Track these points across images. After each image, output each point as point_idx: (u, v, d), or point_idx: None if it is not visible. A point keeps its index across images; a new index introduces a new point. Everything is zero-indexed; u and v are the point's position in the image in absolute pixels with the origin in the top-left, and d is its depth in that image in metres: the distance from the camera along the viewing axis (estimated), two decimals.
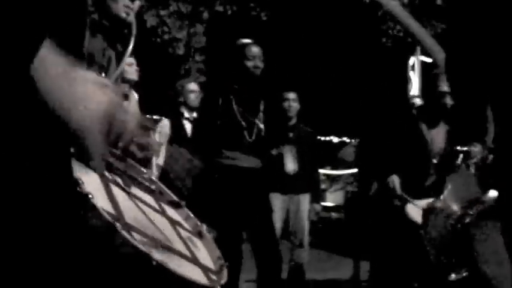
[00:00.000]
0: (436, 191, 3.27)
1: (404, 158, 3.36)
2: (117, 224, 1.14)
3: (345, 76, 12.08)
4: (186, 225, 1.51)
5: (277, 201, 4.29)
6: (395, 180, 3.33)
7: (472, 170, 5.87)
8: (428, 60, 7.83)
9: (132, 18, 1.76)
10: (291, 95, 4.55)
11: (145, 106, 4.08)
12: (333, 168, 15.05)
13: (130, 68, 4.10)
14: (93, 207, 1.13)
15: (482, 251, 2.77)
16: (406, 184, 3.32)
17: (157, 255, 1.16)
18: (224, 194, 3.15)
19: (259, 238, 3.26)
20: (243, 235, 3.38)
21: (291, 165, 4.16)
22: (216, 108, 3.18)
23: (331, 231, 8.68)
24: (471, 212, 2.95)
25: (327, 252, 7.17)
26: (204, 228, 1.54)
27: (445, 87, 3.41)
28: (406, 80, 9.55)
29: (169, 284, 1.16)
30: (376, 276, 3.56)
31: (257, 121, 3.23)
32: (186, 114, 4.35)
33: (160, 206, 1.49)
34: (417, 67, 9.50)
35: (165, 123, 4.44)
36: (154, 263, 1.12)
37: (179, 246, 1.35)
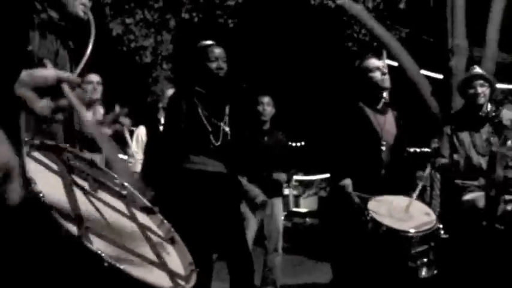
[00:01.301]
0: (392, 184, 3.20)
1: (355, 148, 3.22)
2: (72, 224, 1.12)
3: (313, 81, 12.18)
4: (158, 231, 1.50)
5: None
6: (347, 184, 3.16)
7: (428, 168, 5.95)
8: (395, 64, 7.95)
9: (89, 15, 1.71)
10: (265, 99, 4.54)
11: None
12: (305, 174, 15.16)
13: (97, 86, 4.05)
14: (44, 207, 1.12)
15: None
16: (360, 177, 3.16)
17: (112, 257, 1.14)
18: (191, 200, 3.09)
19: (230, 245, 3.22)
20: (213, 242, 3.32)
21: (260, 196, 4.16)
22: (180, 112, 3.13)
23: (305, 236, 8.71)
24: None
25: (302, 257, 7.17)
26: (176, 234, 1.52)
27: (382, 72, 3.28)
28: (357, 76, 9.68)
29: (124, 287, 1.13)
30: (337, 279, 3.49)
31: (222, 125, 3.19)
32: (163, 121, 4.31)
33: (130, 211, 1.47)
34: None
35: (141, 131, 4.40)
36: (105, 264, 1.10)
37: (143, 250, 1.34)
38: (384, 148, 3.28)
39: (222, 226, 3.17)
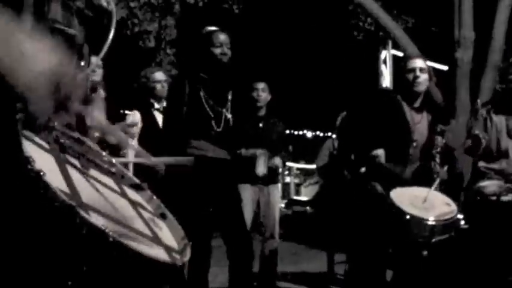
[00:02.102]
0: (417, 180, 3.24)
1: (386, 139, 3.27)
2: (72, 202, 1.12)
3: (317, 70, 12.13)
4: (148, 206, 1.52)
5: (247, 193, 4.27)
6: (380, 154, 3.22)
7: (437, 159, 5.94)
8: (400, 54, 7.91)
9: (112, 6, 1.70)
10: (261, 85, 4.52)
11: (116, 100, 3.99)
12: (307, 163, 15.16)
13: (97, 69, 4.03)
14: (46, 185, 1.11)
15: None
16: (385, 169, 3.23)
17: (114, 232, 1.15)
18: (192, 185, 3.10)
19: (230, 230, 3.23)
20: (212, 227, 3.33)
21: (261, 168, 4.14)
22: (182, 97, 3.12)
23: (305, 225, 8.73)
24: None
25: (301, 245, 7.20)
26: (166, 209, 1.53)
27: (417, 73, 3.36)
28: (377, 74, 9.64)
29: (129, 262, 1.14)
30: (355, 267, 3.53)
31: (224, 111, 3.19)
32: (156, 105, 4.28)
33: (120, 188, 1.48)
34: (389, 61, 9.61)
35: (136, 116, 4.37)
36: (110, 239, 1.10)
37: (140, 225, 1.35)
38: (415, 145, 3.36)
39: (221, 211, 3.18)
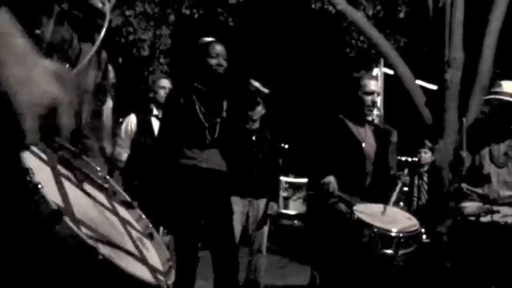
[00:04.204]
0: (374, 194, 3.28)
1: (339, 159, 3.28)
2: (65, 216, 1.12)
3: (310, 84, 12.22)
4: (137, 225, 1.51)
5: (237, 206, 4.28)
6: (332, 181, 3.17)
7: (425, 179, 6.02)
8: (391, 72, 8.00)
9: (107, 8, 1.73)
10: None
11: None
12: (296, 176, 15.17)
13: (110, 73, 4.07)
14: (42, 198, 1.11)
15: None
16: (344, 186, 3.21)
17: (104, 250, 1.15)
18: (183, 195, 3.11)
19: (218, 242, 3.23)
20: (199, 238, 3.34)
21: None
22: (177, 107, 3.14)
23: (293, 238, 8.73)
24: None
25: (288, 259, 7.20)
26: (154, 229, 1.53)
27: (371, 87, 3.37)
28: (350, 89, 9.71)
29: (115, 280, 1.15)
30: (324, 282, 3.54)
31: (219, 121, 3.21)
32: (155, 111, 4.29)
33: (112, 204, 1.48)
34: (380, 78, 9.72)
35: (131, 119, 4.38)
36: (100, 257, 1.10)
37: (128, 244, 1.35)
38: (368, 159, 3.38)
39: (211, 222, 3.19)
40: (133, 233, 1.44)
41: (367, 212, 3.03)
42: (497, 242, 3.27)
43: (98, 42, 1.62)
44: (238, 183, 4.16)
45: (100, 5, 1.72)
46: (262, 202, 4.57)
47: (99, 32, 1.68)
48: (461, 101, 7.27)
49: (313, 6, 9.14)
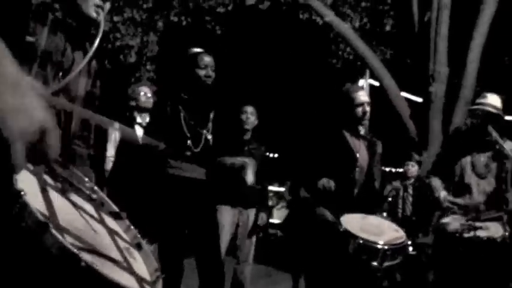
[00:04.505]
0: (361, 204, 3.32)
1: (330, 168, 3.35)
2: (48, 223, 1.12)
3: (295, 94, 12.28)
4: (124, 236, 1.51)
5: (227, 215, 4.27)
6: (331, 181, 3.25)
7: (410, 191, 6.09)
8: (377, 84, 8.08)
9: (101, 17, 1.72)
10: (249, 109, 4.56)
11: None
12: (281, 185, 15.19)
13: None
14: (25, 205, 1.11)
15: None
16: (334, 195, 3.27)
17: (87, 257, 1.15)
18: (168, 204, 3.10)
19: (203, 251, 3.22)
20: (184, 248, 3.32)
21: (251, 176, 4.08)
22: (163, 116, 3.14)
23: (276, 247, 8.73)
24: None
25: (272, 268, 7.18)
26: (142, 240, 1.53)
27: (362, 98, 3.47)
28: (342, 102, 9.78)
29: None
30: None
31: (205, 132, 3.20)
32: (138, 119, 4.28)
33: (99, 215, 1.47)
34: (366, 90, 9.80)
35: (115, 128, 4.35)
36: (83, 263, 1.10)
37: (115, 254, 1.35)
38: (358, 169, 3.45)
39: (196, 232, 3.17)
40: (121, 243, 1.43)
41: (354, 222, 3.06)
42: (480, 256, 3.31)
43: (91, 52, 1.63)
44: (228, 193, 4.15)
45: (94, 15, 1.72)
46: (252, 211, 4.56)
47: (91, 41, 1.68)
48: (445, 114, 7.37)
49: (300, 16, 9.22)
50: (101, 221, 1.45)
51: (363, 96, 3.49)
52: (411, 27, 7.94)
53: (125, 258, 1.37)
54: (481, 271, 3.26)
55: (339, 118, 3.56)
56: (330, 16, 8.00)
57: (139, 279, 1.34)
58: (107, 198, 1.55)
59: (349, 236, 2.94)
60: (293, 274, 5.30)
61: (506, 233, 3.30)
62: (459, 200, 3.72)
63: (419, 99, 7.91)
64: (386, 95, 7.61)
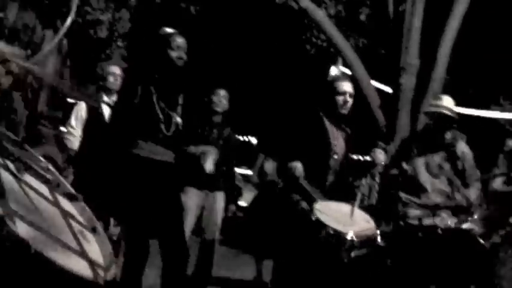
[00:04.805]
0: (336, 191, 3.40)
1: (307, 153, 3.41)
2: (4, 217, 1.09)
3: (267, 78, 12.27)
4: (80, 218, 1.49)
5: (193, 197, 4.26)
6: (298, 166, 3.33)
7: (377, 179, 6.19)
8: (348, 72, 8.14)
9: None
10: (222, 92, 4.51)
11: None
12: (249, 168, 15.23)
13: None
14: None
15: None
16: (307, 180, 3.35)
17: (38, 244, 1.13)
18: (135, 186, 3.06)
19: (167, 232, 3.21)
20: (150, 229, 3.30)
21: (210, 165, 4.05)
22: (134, 96, 3.08)
23: (243, 230, 8.76)
24: None
25: (238, 251, 7.22)
26: (97, 223, 1.50)
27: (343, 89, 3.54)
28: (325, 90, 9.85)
29: (49, 275, 1.13)
30: (279, 276, 3.62)
31: (175, 115, 3.17)
32: (105, 98, 4.20)
33: (54, 196, 1.44)
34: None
35: (81, 107, 4.26)
36: (32, 251, 1.09)
37: (67, 237, 1.35)
38: (336, 157, 3.54)
39: (161, 213, 3.16)
40: (75, 226, 1.42)
41: (327, 211, 3.11)
42: (437, 244, 3.42)
43: (62, 31, 1.59)
44: (195, 176, 4.12)
45: None
46: (219, 195, 4.55)
47: (62, 19, 1.64)
48: (414, 106, 7.50)
49: (276, 0, 9.16)
50: (55, 203, 1.42)
51: (346, 86, 3.56)
52: (386, 17, 8.00)
53: (78, 242, 1.36)
54: (438, 258, 3.38)
55: (321, 105, 3.63)
56: (305, 2, 7.98)
57: (92, 264, 1.34)
58: (62, 179, 1.52)
59: (319, 225, 3.00)
60: (256, 257, 5.35)
61: (460, 225, 3.45)
62: (417, 200, 3.83)
63: (389, 90, 8.02)
64: (357, 83, 7.67)
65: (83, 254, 1.33)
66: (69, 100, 4.82)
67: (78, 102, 4.33)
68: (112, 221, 3.82)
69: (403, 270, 3.39)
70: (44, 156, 1.68)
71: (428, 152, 3.93)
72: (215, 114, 4.50)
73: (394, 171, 3.99)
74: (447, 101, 3.99)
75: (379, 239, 3.11)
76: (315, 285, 3.25)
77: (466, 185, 3.90)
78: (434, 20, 7.56)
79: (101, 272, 1.34)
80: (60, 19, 1.81)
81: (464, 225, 3.50)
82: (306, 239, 3.11)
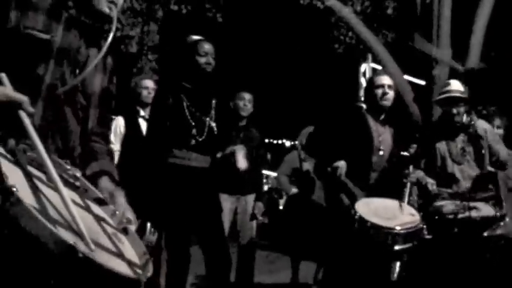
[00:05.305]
0: (381, 188, 3.37)
1: (349, 151, 3.44)
2: (42, 219, 1.13)
3: (298, 80, 12.24)
4: (110, 221, 1.53)
5: (226, 203, 4.28)
6: (342, 166, 3.38)
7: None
8: (379, 67, 8.05)
9: (114, 13, 1.72)
10: (247, 96, 4.55)
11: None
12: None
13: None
14: (18, 201, 1.13)
15: None
16: (350, 178, 3.38)
17: (83, 248, 1.17)
18: (173, 194, 3.10)
19: (209, 239, 3.23)
20: (191, 237, 3.34)
21: (242, 162, 4.01)
22: (166, 106, 3.13)
23: (282, 233, 8.75)
24: None
25: (278, 254, 7.22)
26: (128, 224, 1.54)
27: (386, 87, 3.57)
28: (357, 86, 9.78)
29: (96, 277, 1.16)
30: (327, 276, 3.62)
31: (208, 119, 3.20)
32: (142, 113, 4.29)
33: (85, 202, 1.48)
34: (368, 74, 9.76)
35: (119, 122, 4.35)
36: (80, 255, 1.12)
37: (105, 241, 1.37)
38: (381, 153, 3.56)
39: (201, 220, 3.19)
40: (108, 229, 1.45)
41: (370, 207, 3.11)
42: (475, 237, 3.32)
43: (105, 48, 1.64)
44: (225, 181, 4.15)
45: (107, 10, 1.72)
46: (250, 197, 4.57)
47: (105, 37, 1.69)
48: None
49: (301, 1, 9.14)
50: (87, 208, 1.46)
51: (384, 79, 3.62)
52: (413, 9, 7.87)
53: (114, 244, 1.39)
54: (476, 252, 3.28)
55: (365, 103, 3.72)
56: (331, 0, 7.94)
57: (130, 264, 1.36)
58: (89, 185, 1.55)
59: (361, 220, 3.01)
60: (293, 259, 5.34)
61: (498, 213, 3.32)
62: (448, 190, 3.74)
63: (423, 82, 7.88)
64: None
65: (121, 255, 1.36)
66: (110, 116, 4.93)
67: (116, 117, 4.43)
68: (148, 227, 3.88)
69: (448, 265, 3.31)
70: (102, 171, 1.74)
71: (448, 138, 3.85)
72: (241, 118, 4.54)
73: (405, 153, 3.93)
74: (455, 85, 3.93)
75: (425, 232, 3.06)
76: (363, 283, 3.23)
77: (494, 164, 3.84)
78: (464, 7, 7.39)
79: (139, 271, 1.36)
80: (103, 37, 1.86)
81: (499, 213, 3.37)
82: (350, 237, 3.09)
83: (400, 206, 3.18)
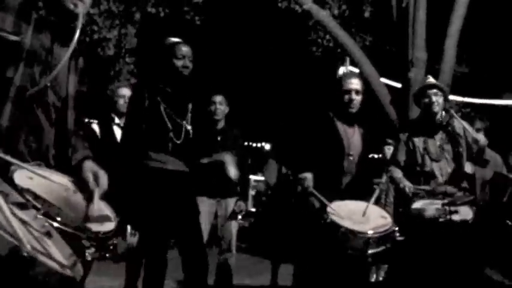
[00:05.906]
0: (352, 192, 3.35)
1: (319, 155, 3.39)
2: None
3: (277, 83, 12.28)
4: (34, 225, 1.52)
5: (204, 206, 4.25)
6: (308, 178, 3.33)
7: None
8: (356, 70, 8.11)
9: (79, 10, 1.70)
10: (218, 98, 4.54)
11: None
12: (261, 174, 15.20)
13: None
14: None
15: None
16: (321, 183, 3.32)
17: (27, 248, 1.22)
18: (150, 197, 3.08)
19: (186, 242, 3.21)
20: (168, 240, 3.31)
21: (233, 171, 3.98)
22: (142, 109, 3.10)
23: (257, 236, 8.75)
24: None
25: (259, 258, 7.21)
26: (51, 227, 1.53)
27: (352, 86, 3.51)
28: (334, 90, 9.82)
29: (39, 276, 1.21)
30: (299, 280, 3.59)
31: (184, 123, 3.18)
32: (117, 120, 4.25)
33: (9, 206, 1.48)
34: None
35: (94, 128, 4.30)
36: (25, 254, 1.17)
37: (35, 243, 1.38)
38: (351, 158, 3.49)
39: (179, 223, 3.17)
40: (34, 232, 1.46)
41: (342, 211, 3.07)
42: (454, 239, 3.35)
43: (72, 45, 1.62)
44: (205, 183, 4.13)
45: (72, 7, 1.70)
46: (231, 201, 4.55)
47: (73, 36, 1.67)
48: None
49: (279, 5, 9.18)
50: (12, 212, 1.45)
51: (351, 84, 3.49)
52: (389, 13, 7.97)
53: (42, 246, 1.40)
54: (456, 254, 3.31)
55: (331, 106, 3.59)
56: (309, 4, 7.99)
57: (61, 265, 1.38)
58: (9, 189, 1.54)
59: (333, 224, 2.97)
60: (273, 263, 5.34)
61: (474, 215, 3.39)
62: (425, 187, 3.76)
63: (399, 85, 7.97)
64: (366, 81, 7.62)
65: (51, 257, 1.38)
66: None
67: (91, 121, 4.38)
68: (129, 230, 3.84)
69: (424, 264, 3.34)
70: (85, 157, 1.80)
71: (426, 136, 3.88)
72: (216, 122, 4.53)
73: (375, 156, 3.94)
74: (432, 79, 4.00)
75: (397, 234, 3.06)
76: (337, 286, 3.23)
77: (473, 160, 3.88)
78: (439, 11, 7.51)
79: (70, 272, 1.38)
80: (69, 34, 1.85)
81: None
82: (323, 241, 3.08)
83: (366, 208, 3.14)
